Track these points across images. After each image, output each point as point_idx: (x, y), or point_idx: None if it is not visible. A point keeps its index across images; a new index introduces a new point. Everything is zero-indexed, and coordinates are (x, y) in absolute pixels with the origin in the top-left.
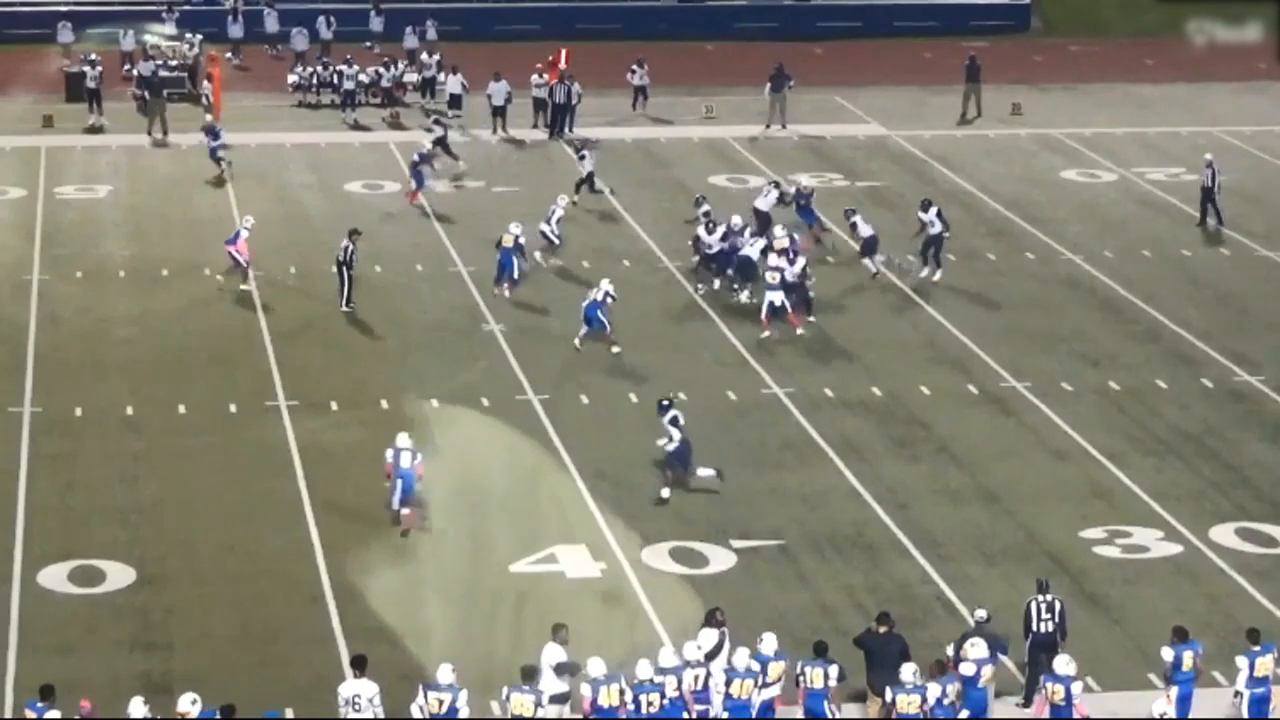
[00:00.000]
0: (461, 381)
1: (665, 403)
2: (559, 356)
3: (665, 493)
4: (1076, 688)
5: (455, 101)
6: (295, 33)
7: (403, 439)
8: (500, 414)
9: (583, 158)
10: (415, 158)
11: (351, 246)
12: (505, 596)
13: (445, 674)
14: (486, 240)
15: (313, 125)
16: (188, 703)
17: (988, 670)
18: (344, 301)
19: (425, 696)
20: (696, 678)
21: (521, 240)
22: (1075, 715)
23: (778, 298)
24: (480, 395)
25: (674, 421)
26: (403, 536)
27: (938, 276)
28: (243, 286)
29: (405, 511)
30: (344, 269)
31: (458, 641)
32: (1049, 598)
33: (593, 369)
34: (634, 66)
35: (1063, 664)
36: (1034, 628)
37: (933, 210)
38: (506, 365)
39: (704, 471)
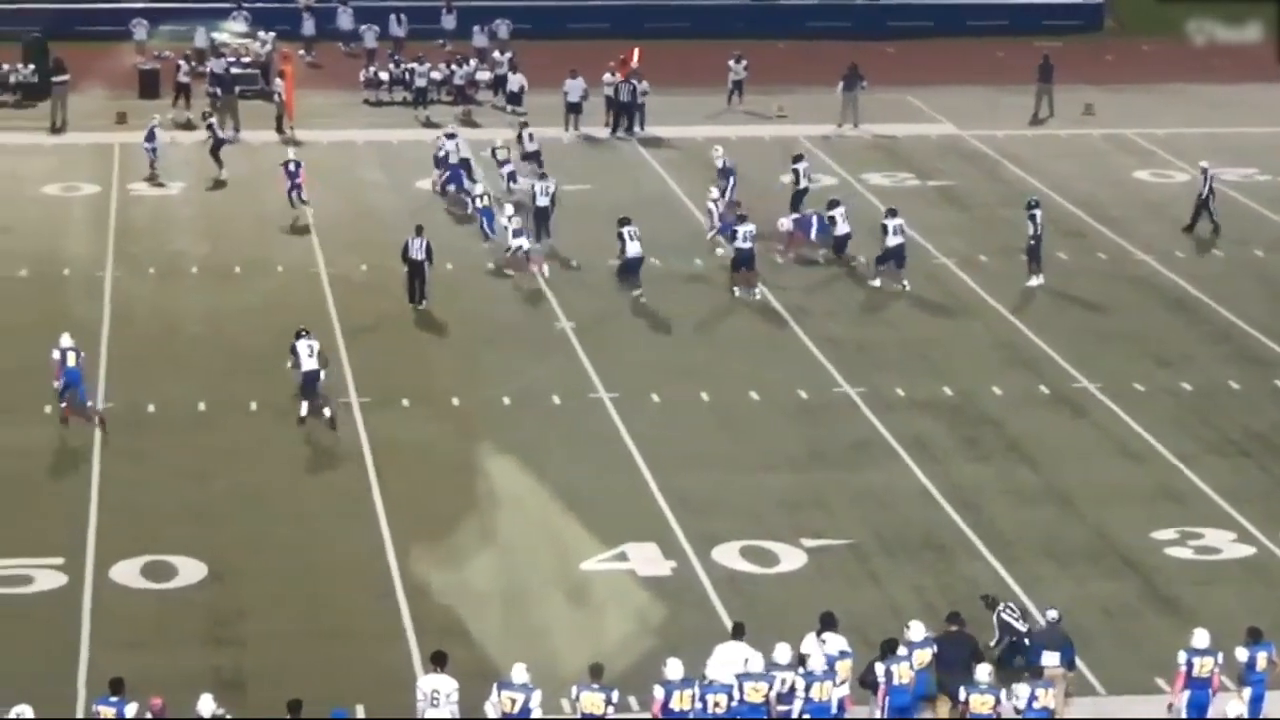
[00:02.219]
0: (532, 379)
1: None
2: (630, 355)
3: None
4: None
5: (515, 99)
6: (365, 30)
7: (66, 339)
8: (571, 412)
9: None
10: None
11: (421, 242)
12: (576, 594)
13: (519, 673)
14: (561, 238)
15: (384, 122)
16: (209, 704)
17: (1056, 671)
18: (414, 298)
19: (499, 695)
20: (784, 681)
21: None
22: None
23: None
24: (551, 393)
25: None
26: (63, 424)
27: (1036, 281)
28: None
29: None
30: (413, 265)
31: (529, 640)
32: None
33: (664, 367)
34: (731, 61)
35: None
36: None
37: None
38: (577, 363)
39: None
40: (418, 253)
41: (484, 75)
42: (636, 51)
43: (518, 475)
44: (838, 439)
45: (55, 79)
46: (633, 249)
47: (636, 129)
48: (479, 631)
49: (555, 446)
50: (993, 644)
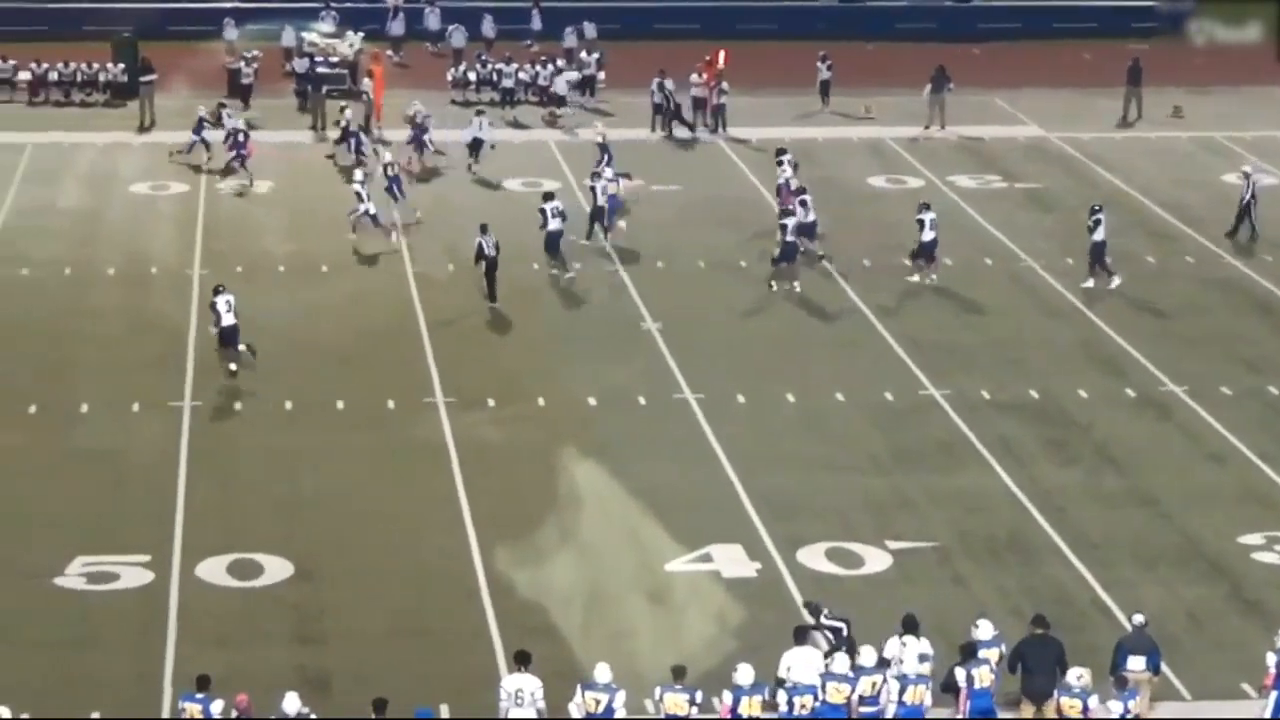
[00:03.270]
0: (618, 379)
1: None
2: (716, 356)
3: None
4: None
5: (559, 100)
6: (453, 30)
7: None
8: (657, 412)
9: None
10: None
11: (491, 239)
12: (660, 595)
13: (603, 673)
14: (644, 240)
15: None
16: (294, 702)
17: (1141, 676)
18: (492, 297)
19: (582, 695)
20: (874, 684)
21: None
22: None
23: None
24: (637, 393)
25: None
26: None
27: (1094, 283)
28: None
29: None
30: (490, 263)
31: (613, 640)
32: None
33: (750, 368)
34: (817, 63)
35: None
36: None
37: (1094, 216)
38: (663, 364)
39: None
40: (491, 249)
41: (571, 76)
42: (723, 54)
43: (603, 476)
44: (923, 441)
45: (143, 78)
46: (554, 225)
47: (719, 129)
48: (563, 632)
49: (641, 447)
50: (825, 650)
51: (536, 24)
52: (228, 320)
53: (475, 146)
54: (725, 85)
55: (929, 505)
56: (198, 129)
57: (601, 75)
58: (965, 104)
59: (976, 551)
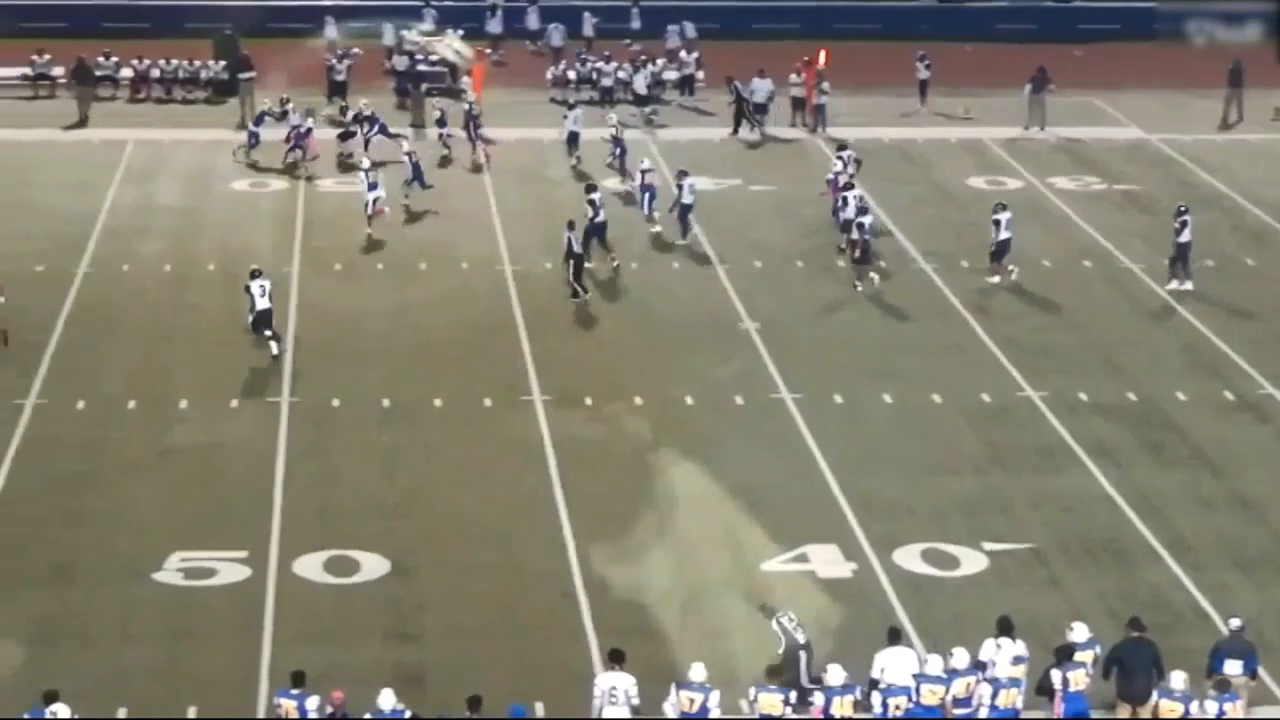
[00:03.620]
0: (715, 379)
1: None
2: (814, 356)
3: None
4: None
5: (642, 100)
6: (552, 29)
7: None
8: (754, 412)
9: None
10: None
11: (577, 236)
12: (756, 595)
13: (698, 672)
14: (745, 238)
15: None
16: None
17: (1239, 680)
18: (573, 293)
19: (677, 695)
20: (968, 685)
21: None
22: None
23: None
24: (734, 393)
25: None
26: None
27: (1178, 285)
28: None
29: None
30: (577, 260)
31: (709, 640)
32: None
33: (847, 368)
34: (917, 62)
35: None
36: None
37: (1180, 218)
38: (761, 363)
39: None
40: (578, 246)
41: (670, 75)
42: (824, 54)
43: (699, 475)
44: (1020, 442)
45: (242, 75)
46: (601, 215)
47: (820, 129)
48: (658, 631)
49: (737, 446)
50: (780, 651)
51: (636, 23)
52: (262, 305)
53: (572, 141)
54: (826, 85)
55: (1025, 507)
56: (258, 121)
57: (700, 74)
58: (1065, 105)
59: (1073, 553)
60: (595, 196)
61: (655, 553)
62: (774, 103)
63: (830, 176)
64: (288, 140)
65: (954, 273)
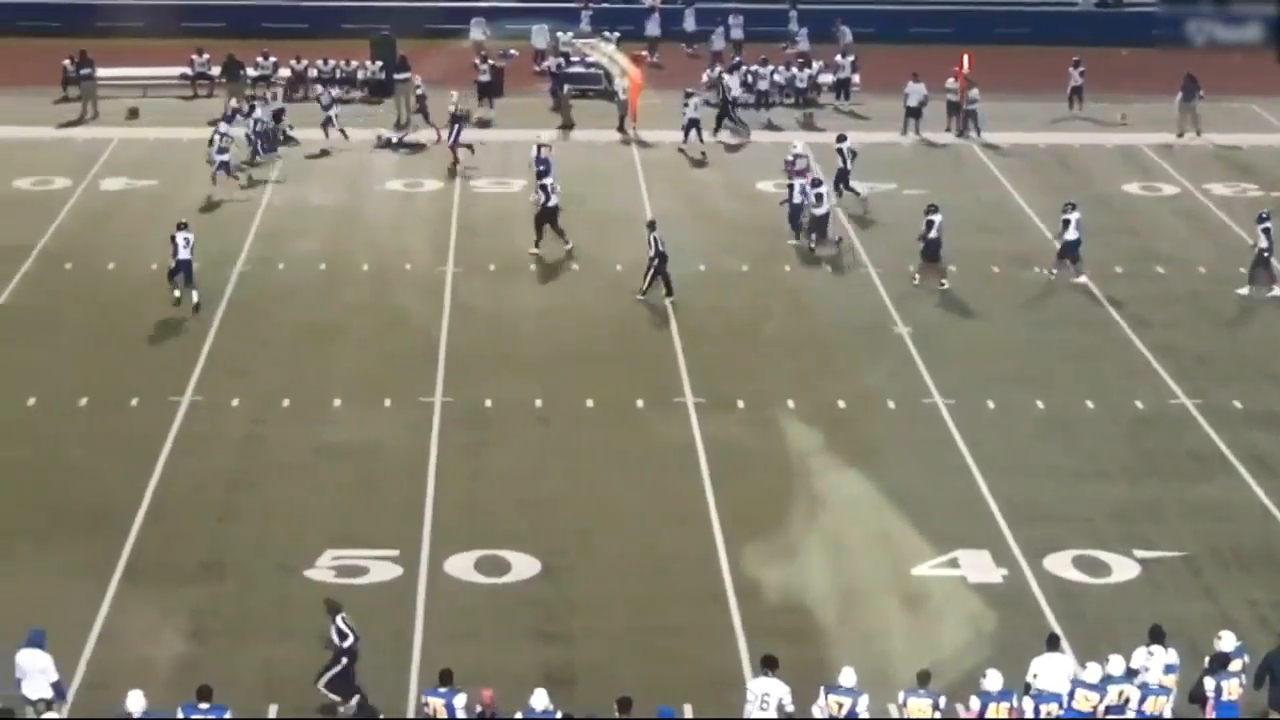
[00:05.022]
0: (868, 383)
1: None
2: (967, 361)
3: None
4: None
5: (730, 105)
6: (717, 34)
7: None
8: (906, 416)
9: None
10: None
11: (657, 236)
12: (906, 599)
13: (847, 677)
14: (897, 242)
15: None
16: (542, 698)
17: None
18: (643, 290)
19: (826, 699)
20: (1120, 693)
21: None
22: None
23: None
24: (886, 397)
25: None
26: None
27: (1277, 292)
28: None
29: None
30: (663, 259)
31: (858, 644)
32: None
33: (1000, 374)
34: (1070, 68)
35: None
36: None
37: (1263, 224)
38: (913, 368)
39: None
40: (661, 245)
41: (826, 78)
42: (966, 57)
43: (851, 479)
44: (1173, 450)
45: (398, 76)
46: (554, 200)
47: (971, 133)
48: (808, 634)
49: (889, 451)
50: (345, 644)
51: (794, 27)
52: (183, 255)
53: (691, 128)
54: (975, 91)
55: (1178, 515)
56: (229, 119)
57: (856, 79)
58: (1221, 111)
59: (1226, 562)
60: (547, 181)
61: (805, 556)
62: (927, 107)
63: (789, 158)
64: (250, 139)
65: (1108, 279)
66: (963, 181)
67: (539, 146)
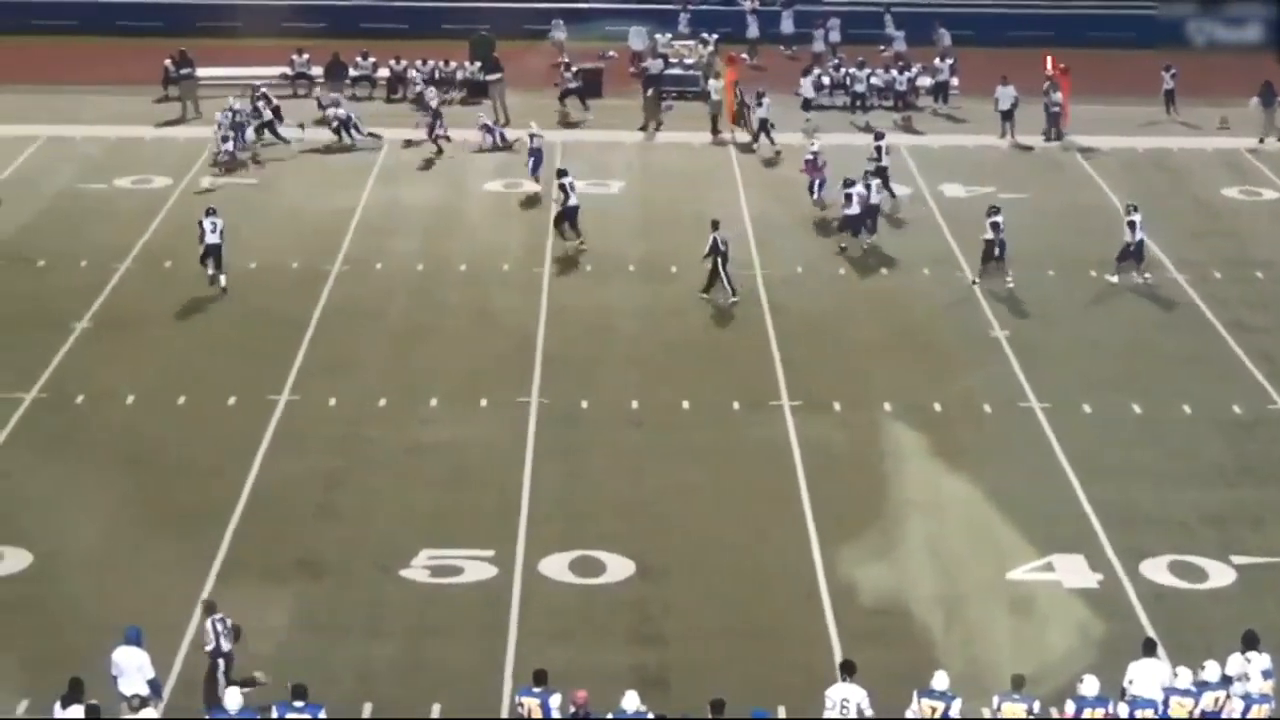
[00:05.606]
0: (965, 386)
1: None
2: (1064, 365)
3: None
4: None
5: (807, 104)
6: (817, 36)
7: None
8: (1002, 420)
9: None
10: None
11: (722, 235)
12: (1001, 603)
13: (940, 680)
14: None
15: (823, 126)
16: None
17: None
18: (705, 290)
19: (919, 702)
20: (1217, 700)
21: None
22: None
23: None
24: (983, 401)
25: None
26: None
27: None
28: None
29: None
30: (717, 261)
31: (952, 647)
32: None
33: (1097, 378)
34: (1163, 72)
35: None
36: None
37: None
38: (1010, 372)
39: None
40: (723, 245)
41: (924, 81)
42: (1049, 59)
43: (946, 482)
44: (1272, 456)
45: (489, 76)
46: (573, 198)
47: (1054, 136)
48: (901, 637)
49: (985, 455)
50: (209, 648)
51: (890, 30)
52: (211, 240)
53: (762, 128)
54: (1058, 94)
55: (1276, 520)
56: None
57: (955, 81)
58: None
59: None
60: (566, 180)
61: (900, 558)
62: (1018, 109)
63: (809, 156)
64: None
65: (1207, 283)
66: (1060, 185)
67: (531, 136)
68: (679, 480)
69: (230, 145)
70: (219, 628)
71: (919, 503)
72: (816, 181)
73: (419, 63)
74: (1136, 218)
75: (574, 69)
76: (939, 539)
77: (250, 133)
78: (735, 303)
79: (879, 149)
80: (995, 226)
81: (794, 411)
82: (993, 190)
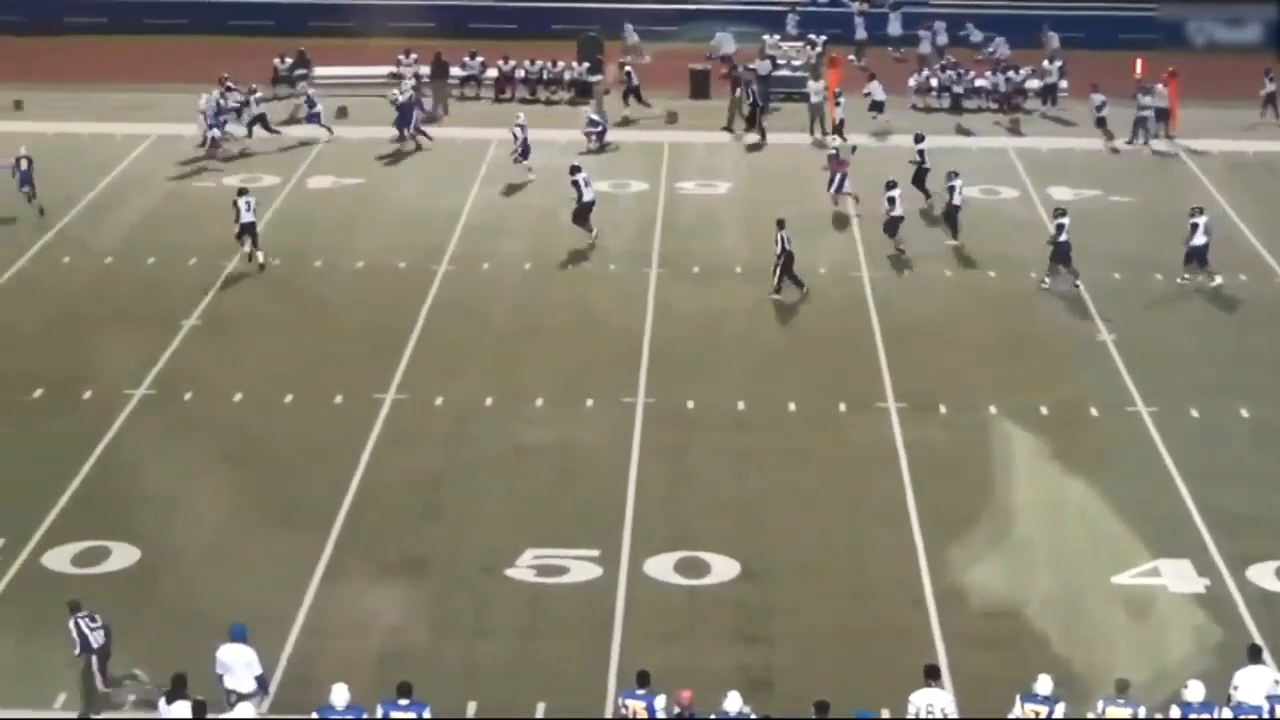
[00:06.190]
0: (1071, 390)
1: None
2: (1171, 369)
3: None
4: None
5: (878, 106)
6: (924, 38)
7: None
8: (1109, 424)
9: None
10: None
11: (786, 235)
12: (1107, 608)
13: (1044, 685)
14: (1104, 249)
15: (926, 128)
16: (736, 701)
17: None
18: (775, 289)
19: (1022, 706)
20: None
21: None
22: None
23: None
24: (1090, 404)
25: None
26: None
27: None
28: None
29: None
30: (789, 257)
31: (1056, 651)
32: None
33: (1205, 382)
34: (1264, 77)
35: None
36: None
37: None
38: (1117, 376)
39: None
40: (789, 244)
41: (1033, 84)
42: (1139, 62)
43: (1052, 486)
44: None
45: (590, 77)
46: (587, 194)
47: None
48: (1006, 640)
49: (1091, 458)
50: (76, 652)
51: (975, 36)
52: (246, 218)
53: (838, 129)
54: (1148, 98)
55: None
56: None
57: (1064, 84)
58: None
59: None
60: (580, 177)
61: (1006, 562)
62: (1105, 111)
63: (832, 151)
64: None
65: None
66: (1167, 188)
67: (519, 127)
68: (784, 482)
69: (216, 132)
70: (84, 625)
71: (1024, 506)
72: (838, 176)
73: (527, 63)
74: (1201, 220)
75: (628, 69)
76: (1045, 543)
77: (234, 127)
78: (806, 291)
79: (921, 152)
80: (1060, 229)
81: (899, 413)
82: (1099, 193)
